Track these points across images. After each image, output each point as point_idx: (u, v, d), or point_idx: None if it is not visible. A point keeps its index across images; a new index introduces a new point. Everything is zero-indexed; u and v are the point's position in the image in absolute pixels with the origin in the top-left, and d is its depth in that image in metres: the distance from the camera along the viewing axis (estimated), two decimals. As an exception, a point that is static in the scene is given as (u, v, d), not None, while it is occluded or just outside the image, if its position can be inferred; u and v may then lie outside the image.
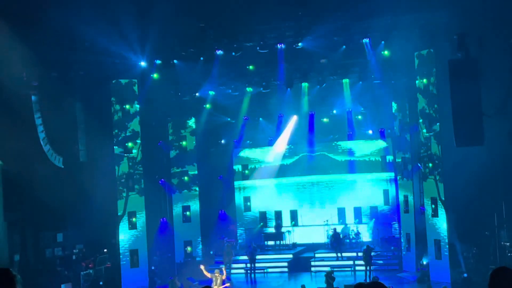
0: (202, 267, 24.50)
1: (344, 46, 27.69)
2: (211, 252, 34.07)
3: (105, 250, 30.68)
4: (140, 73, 29.89)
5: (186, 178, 33.95)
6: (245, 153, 38.42)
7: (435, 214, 27.53)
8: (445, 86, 23.98)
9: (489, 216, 26.15)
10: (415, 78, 28.20)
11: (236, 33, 27.45)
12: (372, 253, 29.80)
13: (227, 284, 23.70)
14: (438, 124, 27.01)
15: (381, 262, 31.06)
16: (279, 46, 27.78)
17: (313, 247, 34.60)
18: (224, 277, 23.93)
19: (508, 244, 25.89)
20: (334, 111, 35.28)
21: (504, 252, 25.79)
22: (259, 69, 30.82)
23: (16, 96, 24.81)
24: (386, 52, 27.75)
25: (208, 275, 23.64)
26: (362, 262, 29.98)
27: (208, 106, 33.77)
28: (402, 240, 31.54)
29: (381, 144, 35.62)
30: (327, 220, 35.35)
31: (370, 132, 36.11)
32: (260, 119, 37.18)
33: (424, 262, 28.64)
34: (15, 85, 24.65)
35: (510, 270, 5.83)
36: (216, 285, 23.09)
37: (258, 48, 27.68)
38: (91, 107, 29.16)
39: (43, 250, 28.87)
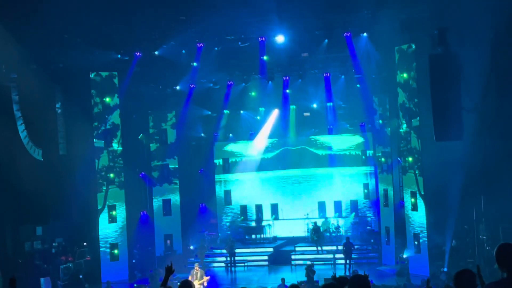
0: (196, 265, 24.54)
1: (325, 41, 27.73)
2: (191, 247, 33.97)
3: (85, 243, 30.55)
4: (120, 65, 29.73)
5: (166, 171, 33.88)
6: (226, 146, 38.41)
7: (414, 208, 27.71)
8: (425, 81, 24.10)
9: (467, 210, 26.36)
10: (395, 72, 28.32)
11: (217, 27, 27.36)
12: (355, 247, 29.99)
13: (207, 278, 23.64)
14: (418, 118, 27.16)
15: (360, 256, 31.29)
16: (260, 39, 27.76)
17: (294, 241, 34.71)
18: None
19: (486, 237, 26.14)
20: (315, 105, 35.30)
21: (483, 246, 26.05)
22: (240, 63, 30.79)
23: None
24: (366, 47, 27.83)
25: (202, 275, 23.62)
26: (342, 256, 30.13)
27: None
28: (381, 234, 31.72)
29: (361, 138, 35.77)
30: (307, 214, 35.46)
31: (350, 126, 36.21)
32: (241, 112, 37.11)
33: (404, 256, 28.85)
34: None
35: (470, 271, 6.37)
36: (196, 279, 23.05)
37: (239, 42, 27.65)
38: (71, 100, 29.00)
39: (22, 243, 28.68)
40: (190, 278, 22.79)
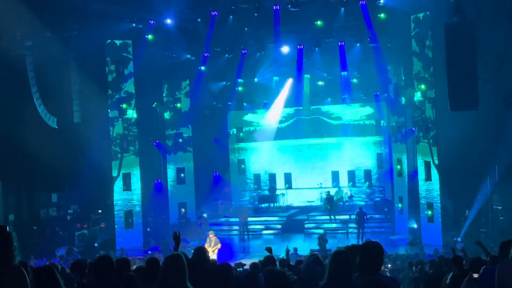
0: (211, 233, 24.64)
1: (341, 9, 27.49)
2: (205, 215, 34.12)
3: (100, 211, 30.79)
4: (134, 34, 29.68)
5: (180, 140, 34.01)
6: (240, 115, 38.40)
7: (428, 177, 27.69)
8: (440, 50, 23.91)
9: (482, 180, 26.30)
10: (410, 41, 28.11)
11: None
12: (368, 216, 30.09)
13: (218, 246, 23.80)
14: (433, 88, 27.01)
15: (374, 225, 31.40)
16: (274, 8, 27.56)
17: (307, 210, 34.85)
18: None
19: (500, 207, 26.11)
20: (326, 75, 35.05)
21: (496, 216, 26.03)
22: (254, 31, 30.64)
23: (10, 56, 24.65)
24: (382, 15, 27.61)
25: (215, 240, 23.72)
26: (355, 225, 30.24)
27: (203, 68, 33.42)
28: (394, 203, 31.77)
29: (375, 107, 35.62)
30: (321, 183, 35.55)
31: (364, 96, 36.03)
32: (255, 81, 36.95)
33: (415, 226, 28.93)
34: (9, 44, 24.46)
35: None
36: (210, 246, 23.25)
37: (255, 13, 27.46)
38: (86, 68, 28.97)
39: (37, 210, 28.98)
40: (206, 245, 23.05)
